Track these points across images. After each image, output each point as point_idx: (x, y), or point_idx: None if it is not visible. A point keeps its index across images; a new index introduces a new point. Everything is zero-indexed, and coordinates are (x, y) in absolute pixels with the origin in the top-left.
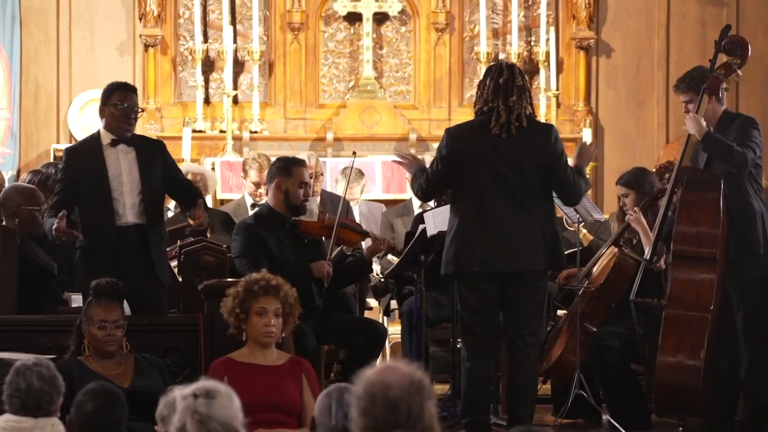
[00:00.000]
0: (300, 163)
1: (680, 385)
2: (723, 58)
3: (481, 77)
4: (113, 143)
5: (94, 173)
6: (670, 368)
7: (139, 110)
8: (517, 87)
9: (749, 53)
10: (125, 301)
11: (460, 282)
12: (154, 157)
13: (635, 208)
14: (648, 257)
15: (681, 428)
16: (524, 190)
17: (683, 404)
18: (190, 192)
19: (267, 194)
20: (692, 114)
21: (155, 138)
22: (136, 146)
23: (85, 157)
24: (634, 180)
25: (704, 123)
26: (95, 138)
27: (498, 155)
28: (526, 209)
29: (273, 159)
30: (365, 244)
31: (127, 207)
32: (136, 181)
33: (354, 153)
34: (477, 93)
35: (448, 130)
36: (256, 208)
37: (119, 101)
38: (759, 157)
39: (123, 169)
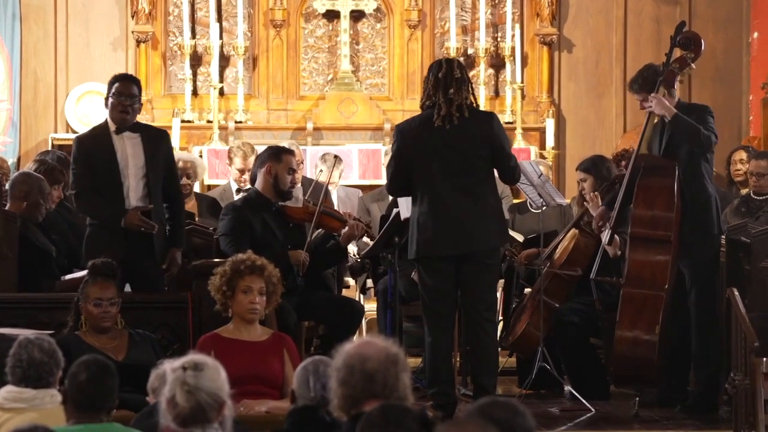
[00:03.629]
0: (289, 151)
1: (636, 357)
2: (678, 52)
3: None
4: (117, 131)
5: (104, 158)
6: (627, 342)
7: (137, 99)
8: (456, 79)
9: (702, 48)
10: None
11: (420, 264)
12: (158, 144)
13: (594, 193)
14: (607, 242)
15: (638, 398)
16: (470, 175)
17: (639, 375)
18: (174, 204)
19: (256, 179)
20: (658, 96)
21: (161, 128)
22: (142, 133)
23: (94, 144)
24: (593, 166)
25: (670, 106)
26: (103, 126)
27: (443, 145)
28: (473, 193)
29: (257, 147)
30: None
31: (131, 190)
32: (141, 165)
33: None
34: (422, 89)
35: (398, 127)
36: (243, 193)
37: (116, 91)
38: (714, 136)
39: (129, 154)
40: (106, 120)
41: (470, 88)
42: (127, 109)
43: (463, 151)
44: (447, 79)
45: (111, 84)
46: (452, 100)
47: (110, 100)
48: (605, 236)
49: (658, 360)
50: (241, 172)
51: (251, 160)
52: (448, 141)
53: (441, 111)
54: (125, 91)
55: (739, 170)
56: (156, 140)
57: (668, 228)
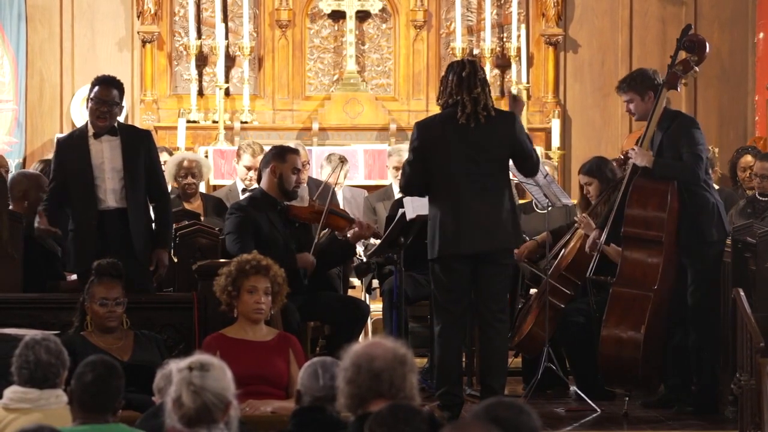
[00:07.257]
0: (294, 151)
1: (621, 357)
2: (683, 55)
3: (443, 73)
4: (95, 135)
5: (79, 162)
6: (612, 341)
7: (116, 104)
8: (480, 80)
9: (707, 52)
10: None
11: (434, 263)
12: (138, 145)
13: (584, 215)
14: (604, 242)
15: (627, 398)
16: (490, 174)
17: (625, 375)
18: (160, 205)
19: (261, 179)
20: (638, 148)
21: (144, 129)
22: (122, 135)
23: (72, 147)
24: (596, 169)
25: (651, 154)
26: (83, 129)
27: (466, 143)
28: (492, 192)
29: (264, 147)
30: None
31: (108, 192)
32: (119, 167)
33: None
34: (440, 88)
35: (418, 124)
36: (248, 192)
37: (95, 96)
38: (705, 152)
39: (105, 157)
40: (87, 122)
41: (490, 90)
42: (105, 116)
43: (486, 150)
44: (471, 78)
45: (92, 87)
46: (478, 100)
47: (89, 103)
48: (603, 236)
49: (642, 361)
50: (248, 169)
51: (260, 158)
52: (471, 139)
53: (466, 109)
54: (103, 96)
55: (747, 176)
56: (136, 142)
57: (661, 229)
